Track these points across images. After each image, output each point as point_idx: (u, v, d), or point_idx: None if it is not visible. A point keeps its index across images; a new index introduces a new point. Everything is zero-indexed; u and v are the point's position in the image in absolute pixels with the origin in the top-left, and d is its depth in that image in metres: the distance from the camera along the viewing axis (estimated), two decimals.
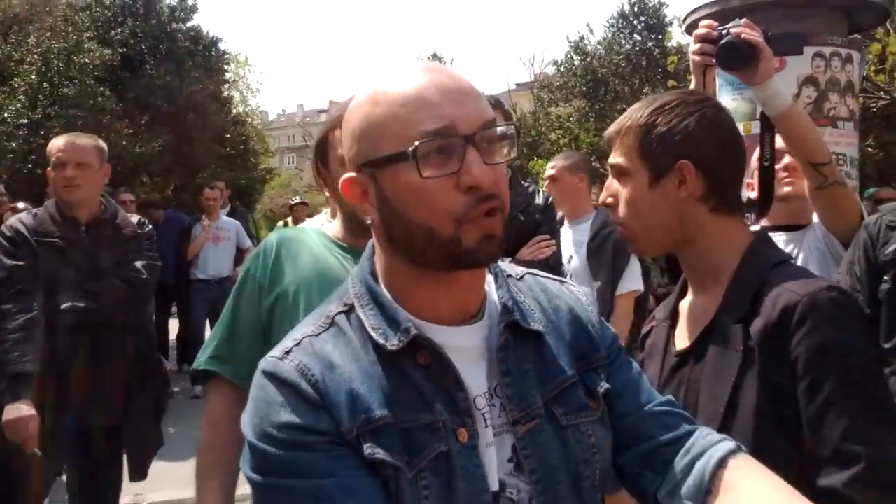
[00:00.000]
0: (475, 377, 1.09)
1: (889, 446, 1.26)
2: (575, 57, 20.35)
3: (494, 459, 1.07)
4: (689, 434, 1.17)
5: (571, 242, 4.14)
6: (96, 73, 13.93)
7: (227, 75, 20.64)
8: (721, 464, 1.10)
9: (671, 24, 19.14)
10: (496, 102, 2.61)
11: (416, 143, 0.99)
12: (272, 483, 1.00)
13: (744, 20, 1.94)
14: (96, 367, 3.25)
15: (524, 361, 1.12)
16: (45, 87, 12.77)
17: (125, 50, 16.02)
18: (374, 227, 1.11)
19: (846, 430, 1.26)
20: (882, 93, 9.97)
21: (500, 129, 1.05)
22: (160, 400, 3.64)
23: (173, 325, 9.26)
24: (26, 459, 3.06)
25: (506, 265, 1.26)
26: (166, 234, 8.00)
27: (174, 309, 9.47)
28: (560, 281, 1.30)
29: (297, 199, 11.98)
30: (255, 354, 1.31)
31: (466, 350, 1.10)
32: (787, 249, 2.46)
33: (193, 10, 18.05)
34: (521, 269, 1.27)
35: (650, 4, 19.80)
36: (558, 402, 1.13)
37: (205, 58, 17.79)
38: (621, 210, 1.54)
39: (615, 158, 1.54)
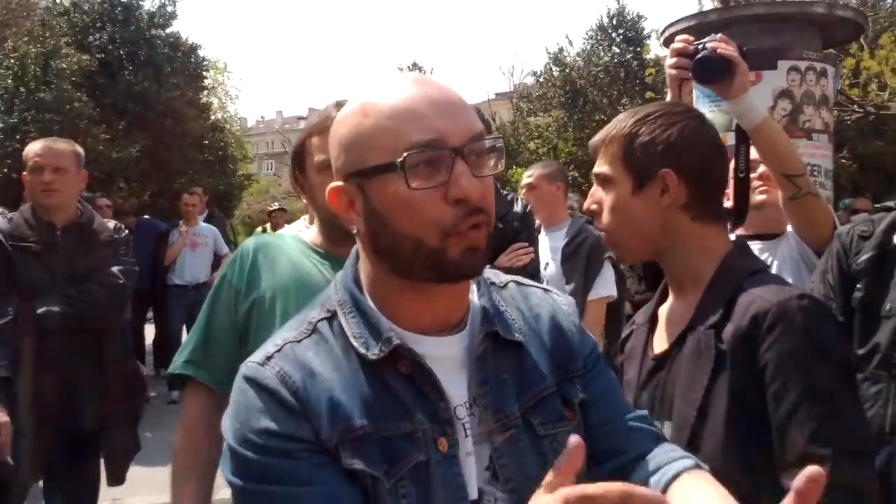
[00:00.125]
0: (456, 387, 1.09)
1: (853, 449, 1.29)
2: (554, 68, 20.40)
3: (474, 468, 1.08)
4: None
5: (548, 249, 4.18)
6: (73, 79, 13.77)
7: (206, 82, 20.47)
8: (675, 478, 1.10)
9: (649, 36, 19.28)
10: (476, 112, 2.62)
11: (405, 154, 0.99)
12: (252, 488, 1.00)
13: (720, 35, 1.97)
14: (73, 372, 3.21)
15: (502, 371, 1.13)
16: (22, 91, 12.57)
17: (103, 55, 15.89)
18: (360, 236, 1.11)
19: (812, 434, 1.28)
20: (856, 106, 10.14)
21: (488, 143, 1.06)
22: (137, 405, 3.60)
23: (149, 331, 9.21)
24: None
25: (490, 272, 1.26)
26: (140, 241, 7.92)
27: (150, 314, 9.41)
28: (545, 289, 1.31)
29: (275, 206, 11.87)
30: (230, 359, 1.31)
31: (448, 360, 1.10)
32: (762, 258, 2.48)
33: (173, 16, 17.89)
34: (505, 277, 1.27)
35: (629, 17, 19.90)
36: (536, 412, 1.13)
37: (184, 64, 17.64)
38: (605, 217, 1.56)
39: (600, 167, 1.56)
